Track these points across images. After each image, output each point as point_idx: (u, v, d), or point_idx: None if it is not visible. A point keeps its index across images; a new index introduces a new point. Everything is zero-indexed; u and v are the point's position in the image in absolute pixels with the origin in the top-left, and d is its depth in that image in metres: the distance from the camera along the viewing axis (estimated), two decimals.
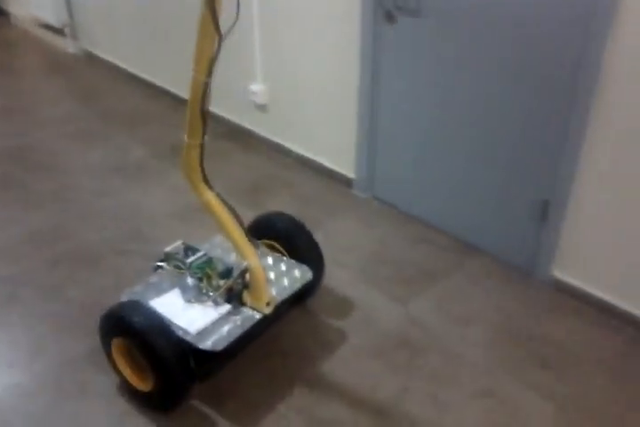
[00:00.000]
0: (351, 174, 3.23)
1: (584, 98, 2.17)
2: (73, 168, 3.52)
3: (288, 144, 3.54)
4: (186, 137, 1.86)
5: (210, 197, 1.95)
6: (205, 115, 1.81)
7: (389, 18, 2.69)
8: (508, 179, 2.56)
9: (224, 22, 1.65)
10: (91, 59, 5.06)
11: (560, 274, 2.54)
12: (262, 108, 3.56)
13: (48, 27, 5.24)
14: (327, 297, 2.49)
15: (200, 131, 1.84)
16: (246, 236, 2.02)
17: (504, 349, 2.30)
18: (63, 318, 2.45)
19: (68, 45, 5.15)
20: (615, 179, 2.22)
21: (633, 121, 2.09)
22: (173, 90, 4.32)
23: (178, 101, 4.27)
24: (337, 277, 2.62)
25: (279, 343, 2.31)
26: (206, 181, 1.95)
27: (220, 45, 1.67)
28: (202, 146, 1.88)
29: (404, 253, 2.81)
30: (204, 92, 1.76)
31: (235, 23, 1.68)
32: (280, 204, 3.13)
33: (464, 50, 2.49)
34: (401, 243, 2.88)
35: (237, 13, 1.70)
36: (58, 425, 2.01)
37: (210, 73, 1.73)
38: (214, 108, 3.95)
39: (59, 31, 5.15)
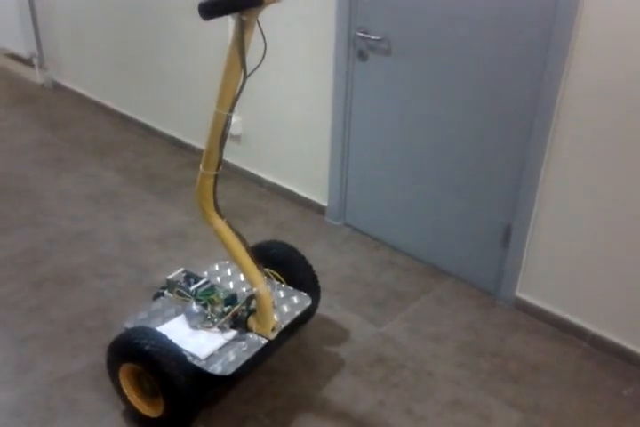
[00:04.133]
0: (324, 202, 3.39)
1: (540, 128, 2.40)
2: (46, 194, 3.57)
3: (262, 174, 3.68)
4: (201, 167, 1.95)
5: (220, 225, 2.02)
6: (223, 147, 1.91)
7: (362, 56, 2.90)
8: (473, 205, 2.77)
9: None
10: (59, 89, 5.12)
11: (522, 294, 2.73)
12: (236, 138, 3.71)
13: (16, 57, 5.29)
14: None
15: (216, 162, 1.94)
16: (255, 263, 2.08)
17: (472, 364, 2.46)
18: (48, 338, 2.49)
19: (36, 76, 5.21)
20: (571, 204, 2.45)
21: (586, 148, 2.33)
22: (143, 119, 4.43)
23: (148, 130, 4.38)
24: None
25: (265, 362, 2.41)
26: (217, 209, 2.02)
27: (244, 83, 1.81)
28: (216, 176, 1.97)
29: (376, 276, 2.96)
30: (225, 125, 1.87)
31: (260, 64, 1.84)
32: (255, 231, 3.25)
33: (429, 84, 2.71)
34: (372, 267, 3.03)
35: (263, 56, 1.86)
36: None
37: (232, 108, 1.85)
38: (189, 137, 4.09)
39: (27, 62, 5.21)
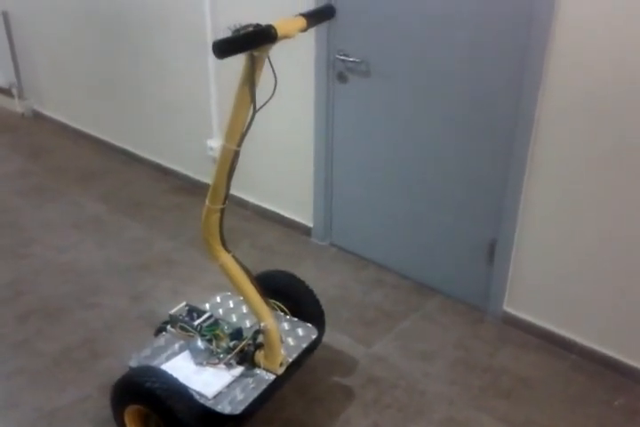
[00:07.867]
0: (309, 223, 3.40)
1: (521, 143, 2.43)
2: (29, 224, 3.54)
3: (246, 196, 3.68)
4: (207, 201, 1.93)
5: (226, 259, 1.99)
6: (230, 181, 1.90)
7: (341, 78, 2.93)
8: (458, 221, 2.79)
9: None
10: (39, 118, 5.11)
11: (510, 309, 2.74)
12: None
13: None
14: None
15: (223, 196, 1.92)
16: (262, 297, 2.04)
17: (464, 381, 2.46)
18: (34, 372, 2.45)
19: (15, 105, 5.19)
20: (554, 218, 2.47)
21: (567, 162, 2.36)
22: (125, 146, 4.42)
23: (130, 157, 4.37)
24: None
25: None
26: (224, 243, 1.99)
27: (253, 117, 1.78)
28: (222, 210, 1.95)
29: (364, 296, 2.96)
30: (233, 159, 1.85)
31: (270, 98, 1.80)
32: (242, 254, 3.19)
33: (409, 104, 2.74)
34: (360, 287, 3.03)
35: (274, 90, 1.82)
36: None
37: (240, 142, 1.83)
38: (172, 163, 4.09)
39: (6, 91, 5.19)
